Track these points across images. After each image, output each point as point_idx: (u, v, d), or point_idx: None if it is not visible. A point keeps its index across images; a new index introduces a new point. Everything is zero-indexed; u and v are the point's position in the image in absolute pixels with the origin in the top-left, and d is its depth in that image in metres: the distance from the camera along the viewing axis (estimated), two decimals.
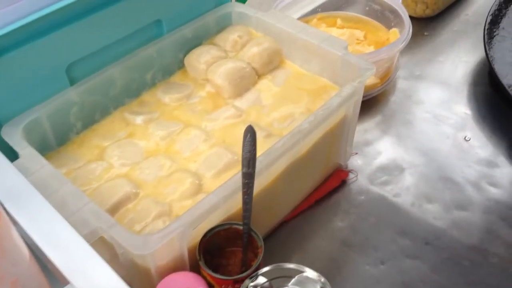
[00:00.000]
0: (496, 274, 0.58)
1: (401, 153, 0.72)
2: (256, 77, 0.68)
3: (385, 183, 0.68)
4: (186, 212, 0.46)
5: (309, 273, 0.46)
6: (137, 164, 0.57)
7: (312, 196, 0.66)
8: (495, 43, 0.82)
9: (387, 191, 0.67)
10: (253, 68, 0.67)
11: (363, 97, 0.77)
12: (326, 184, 0.67)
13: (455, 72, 0.85)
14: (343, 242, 0.62)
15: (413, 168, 0.70)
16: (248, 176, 0.48)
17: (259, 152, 0.51)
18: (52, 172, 0.49)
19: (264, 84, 0.67)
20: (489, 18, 0.85)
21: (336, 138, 0.65)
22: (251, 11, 0.72)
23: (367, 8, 0.88)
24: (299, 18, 0.89)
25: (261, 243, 0.50)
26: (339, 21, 0.88)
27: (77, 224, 0.44)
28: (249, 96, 0.66)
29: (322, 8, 0.90)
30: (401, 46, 0.76)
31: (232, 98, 0.65)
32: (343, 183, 0.68)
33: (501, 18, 0.86)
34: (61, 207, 0.45)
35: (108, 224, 0.45)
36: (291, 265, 0.47)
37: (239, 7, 0.72)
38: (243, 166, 0.47)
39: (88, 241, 0.42)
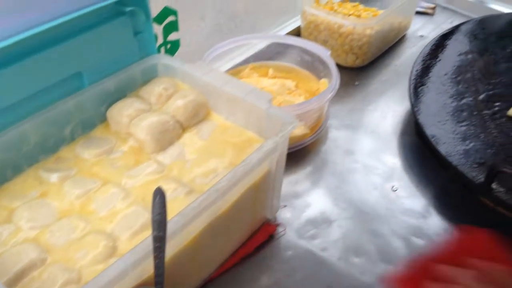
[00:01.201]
0: None
1: (330, 205, 0.72)
2: (181, 130, 0.66)
3: (313, 236, 0.67)
4: (90, 282, 0.43)
5: None
6: (47, 226, 0.54)
7: (238, 252, 0.64)
8: (420, 93, 0.84)
9: (315, 245, 0.66)
10: (178, 121, 0.66)
11: (294, 148, 0.77)
12: (253, 240, 0.66)
13: (384, 121, 0.87)
14: None
15: (341, 220, 0.70)
16: (159, 240, 0.45)
17: (177, 210, 0.50)
18: None
19: (189, 137, 0.66)
20: (415, 69, 0.88)
21: (261, 193, 0.63)
22: (177, 63, 0.71)
23: (299, 59, 0.89)
24: (231, 68, 0.89)
25: None
26: (271, 71, 0.89)
27: None
28: (173, 150, 0.64)
29: (254, 58, 0.91)
30: (330, 96, 0.77)
31: (155, 153, 0.64)
32: (271, 237, 0.67)
33: (427, 69, 0.89)
34: None
35: None
36: None
37: (165, 59, 0.71)
38: (153, 229, 0.45)
39: None
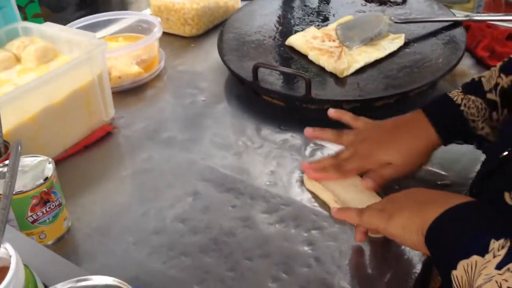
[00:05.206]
0: None
1: (163, 115, 1.00)
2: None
3: (144, 130, 0.94)
4: None
5: None
6: None
7: (81, 142, 0.90)
8: (226, 42, 1.14)
9: (145, 134, 0.93)
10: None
11: (134, 83, 1.06)
12: (93, 134, 0.92)
13: (211, 65, 1.16)
14: (102, 174, 0.86)
15: (168, 121, 0.98)
16: None
17: None
18: None
19: (40, 70, 0.93)
20: (227, 27, 1.18)
21: (90, 97, 0.90)
22: (33, 25, 0.99)
23: (140, 28, 1.19)
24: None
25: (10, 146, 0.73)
26: (120, 39, 1.17)
27: None
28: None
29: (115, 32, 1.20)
30: (151, 41, 1.07)
31: None
32: (108, 134, 0.93)
33: (232, 26, 1.20)
34: None
35: None
36: None
37: (24, 24, 0.99)
38: None
39: None
